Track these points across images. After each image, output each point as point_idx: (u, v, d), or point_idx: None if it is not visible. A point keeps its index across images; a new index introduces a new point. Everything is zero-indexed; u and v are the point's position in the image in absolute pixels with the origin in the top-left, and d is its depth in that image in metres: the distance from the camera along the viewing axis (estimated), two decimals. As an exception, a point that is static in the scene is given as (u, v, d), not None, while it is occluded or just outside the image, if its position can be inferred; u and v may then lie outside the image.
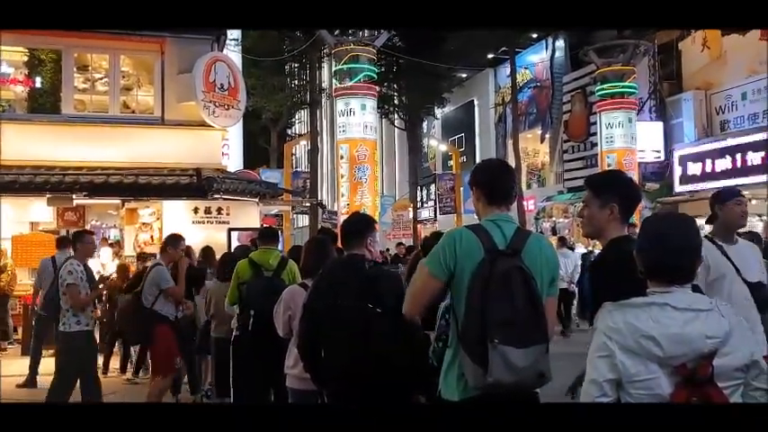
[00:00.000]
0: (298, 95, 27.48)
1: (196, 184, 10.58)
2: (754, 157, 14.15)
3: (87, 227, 12.97)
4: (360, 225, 3.59)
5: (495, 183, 2.71)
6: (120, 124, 11.28)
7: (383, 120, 30.37)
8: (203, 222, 10.66)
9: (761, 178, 13.98)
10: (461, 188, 23.57)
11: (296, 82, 28.42)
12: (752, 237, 8.70)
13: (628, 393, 1.90)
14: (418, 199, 29.39)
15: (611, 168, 15.18)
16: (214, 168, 11.37)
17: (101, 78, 11.78)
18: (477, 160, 29.83)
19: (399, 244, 16.85)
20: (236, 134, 16.49)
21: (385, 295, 3.32)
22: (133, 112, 11.88)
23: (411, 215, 25.49)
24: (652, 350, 1.86)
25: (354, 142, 13.58)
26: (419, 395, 3.35)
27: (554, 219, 21.91)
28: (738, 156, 14.56)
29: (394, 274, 3.91)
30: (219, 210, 10.73)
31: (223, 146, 13.55)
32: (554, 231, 20.14)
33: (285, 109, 26.69)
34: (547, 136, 25.76)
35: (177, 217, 10.51)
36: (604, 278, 2.56)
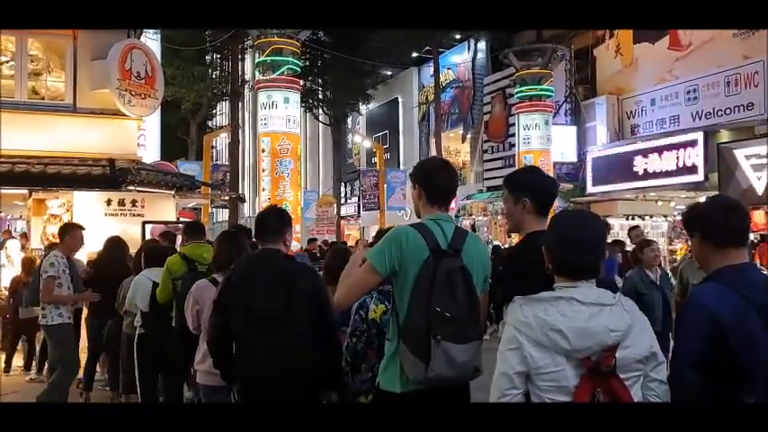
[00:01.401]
0: (219, 86, 26.90)
1: (109, 175, 10.16)
2: (662, 161, 14.87)
3: (-10, 218, 12.29)
4: (279, 219, 3.53)
5: (439, 183, 2.75)
6: (27, 111, 10.69)
7: (307, 114, 30.17)
8: (116, 215, 10.24)
9: (668, 181, 14.72)
10: (385, 185, 23.68)
11: (217, 73, 27.81)
12: (614, 243, 8.90)
13: (536, 385, 1.95)
14: (342, 195, 29.37)
15: (526, 165, 15.65)
16: (129, 159, 10.96)
17: (6, 62, 11.14)
18: (401, 157, 30.10)
19: (312, 240, 16.68)
20: (153, 124, 15.97)
21: (301, 291, 3.29)
22: (43, 98, 11.29)
23: (335, 211, 25.43)
24: (559, 343, 1.92)
25: (276, 136, 13.39)
26: (331, 392, 3.34)
27: (473, 217, 22.34)
28: (647, 159, 15.27)
29: (311, 269, 3.87)
30: (134, 202, 10.34)
31: (139, 136, 13.08)
32: (473, 229, 20.55)
33: (206, 100, 26.09)
34: (468, 136, 26.26)
35: (89, 209, 10.06)
36: (515, 272, 2.63)
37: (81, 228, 6.57)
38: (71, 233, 6.22)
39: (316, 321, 3.29)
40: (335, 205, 25.62)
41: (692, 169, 14.11)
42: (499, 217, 20.55)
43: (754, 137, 12.81)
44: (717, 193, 10.97)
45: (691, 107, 15.73)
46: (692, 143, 14.22)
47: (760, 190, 11.99)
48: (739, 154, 12.57)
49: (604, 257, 2.10)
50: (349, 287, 2.67)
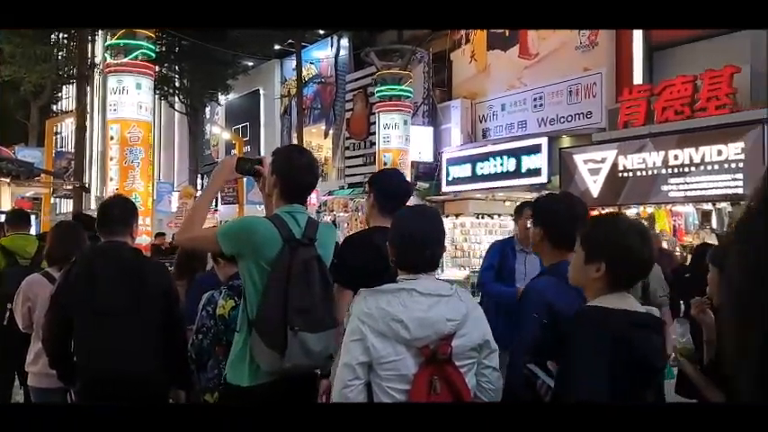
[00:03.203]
0: (65, 68, 25.08)
1: (-69, 159, 9.24)
2: (510, 163, 15.76)
3: None
4: (125, 210, 3.37)
5: (300, 180, 2.68)
6: None
7: (162, 102, 28.92)
8: (-60, 203, 9.32)
9: (515, 182, 15.61)
10: (244, 179, 23.15)
11: (63, 53, 25.89)
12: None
13: (377, 375, 2.01)
14: (198, 187, 28.43)
15: (386, 167, 16.03)
16: (-44, 142, 9.99)
17: None
18: (263, 151, 29.61)
19: (161, 234, 16.06)
20: (-14, 105, 14.63)
21: (152, 287, 3.18)
22: None
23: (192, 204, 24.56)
24: (400, 333, 1.99)
25: (127, 123, 12.64)
26: (178, 390, 3.26)
27: (335, 213, 22.48)
28: (496, 161, 16.11)
29: (161, 265, 3.74)
30: (-39, 189, 9.45)
31: (-31, 118, 11.93)
32: (334, 225, 20.68)
33: (49, 82, 24.23)
34: (330, 132, 26.36)
35: None
36: (341, 257, 2.91)
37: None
38: None
39: (165, 318, 3.20)
40: (194, 198, 24.78)
41: (537, 172, 15.06)
42: (359, 213, 20.81)
43: (591, 143, 13.88)
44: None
45: (537, 113, 16.78)
46: (537, 147, 15.19)
47: (595, 192, 13.03)
48: (578, 159, 13.60)
49: (443, 251, 2.20)
50: (191, 240, 2.70)
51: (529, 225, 2.58)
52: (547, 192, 14.39)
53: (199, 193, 25.15)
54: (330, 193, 23.08)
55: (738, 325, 0.49)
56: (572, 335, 1.82)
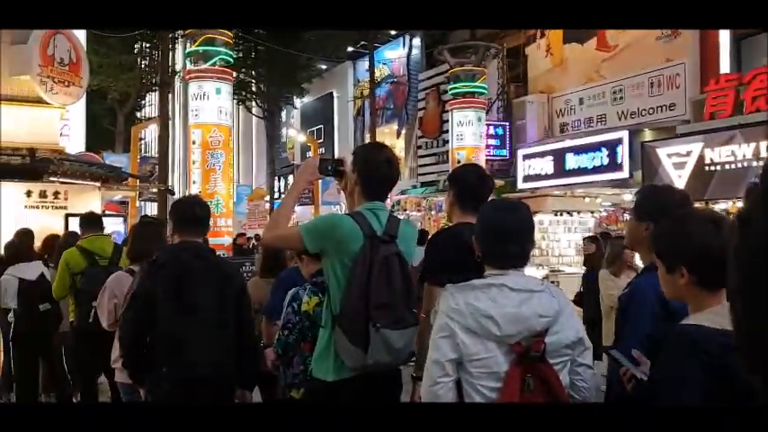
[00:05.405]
0: (148, 76, 26.12)
1: (30, 166, 9.73)
2: (590, 158, 15.34)
3: None
4: (206, 210, 3.44)
5: (380, 176, 2.69)
6: (-60, 97, 10.11)
7: (240, 107, 29.71)
8: (38, 207, 9.81)
9: (595, 177, 15.20)
10: (319, 180, 23.48)
11: (146, 62, 26.99)
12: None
13: (467, 372, 1.97)
14: (276, 189, 29.06)
15: (460, 161, 15.93)
16: (51, 149, 10.49)
17: None
18: (336, 152, 29.98)
19: (242, 234, 16.51)
20: (78, 114, 15.32)
21: (233, 288, 3.24)
22: (-44, 84, 10.70)
23: (267, 205, 25.09)
24: (491, 329, 1.94)
25: (208, 127, 13.02)
26: (244, 390, 3.33)
27: (407, 212, 22.50)
28: (575, 156, 15.71)
29: (236, 264, 3.85)
30: (56, 194, 9.92)
31: (63, 126, 12.54)
32: (407, 224, 20.67)
33: (134, 90, 25.31)
34: (403, 131, 26.39)
35: (8, 200, 9.57)
36: (429, 254, 2.87)
37: None
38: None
39: (239, 318, 3.25)
40: (267, 198, 25.31)
41: (618, 167, 14.60)
42: (432, 212, 20.76)
43: (675, 136, 13.34)
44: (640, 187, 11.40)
45: (617, 107, 16.26)
46: (618, 141, 14.72)
47: (681, 187, 12.50)
48: (662, 152, 13.07)
49: (533, 246, 2.13)
50: (276, 238, 2.78)
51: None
52: (629, 189, 13.95)
53: (268, 197, 25.74)
54: (403, 193, 23.12)
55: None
56: (664, 354, 1.65)
